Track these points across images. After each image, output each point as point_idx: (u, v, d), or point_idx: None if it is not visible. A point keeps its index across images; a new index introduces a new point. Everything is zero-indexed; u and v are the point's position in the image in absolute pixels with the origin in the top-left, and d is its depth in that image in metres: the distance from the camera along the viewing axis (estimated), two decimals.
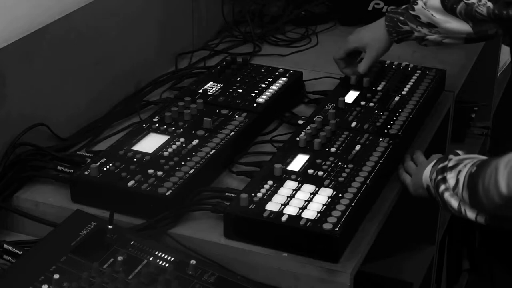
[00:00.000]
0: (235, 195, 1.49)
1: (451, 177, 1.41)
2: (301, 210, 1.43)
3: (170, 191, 1.49)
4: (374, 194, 1.56)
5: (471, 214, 1.39)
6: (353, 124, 1.74)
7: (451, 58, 2.17)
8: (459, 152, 1.48)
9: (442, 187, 1.43)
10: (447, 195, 1.42)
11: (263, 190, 1.49)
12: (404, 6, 1.82)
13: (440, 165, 1.45)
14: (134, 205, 1.50)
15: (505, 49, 2.90)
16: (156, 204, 1.48)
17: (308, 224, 1.40)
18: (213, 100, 1.84)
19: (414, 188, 1.58)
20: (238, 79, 1.95)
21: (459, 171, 1.40)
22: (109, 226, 1.43)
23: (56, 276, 1.31)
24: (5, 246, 1.43)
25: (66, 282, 1.31)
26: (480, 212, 1.37)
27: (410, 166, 1.64)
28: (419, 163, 1.62)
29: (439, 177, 1.44)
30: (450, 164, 1.44)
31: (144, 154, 1.60)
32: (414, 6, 1.79)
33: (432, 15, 1.76)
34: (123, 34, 1.94)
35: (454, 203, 1.41)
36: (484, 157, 1.39)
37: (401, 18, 1.81)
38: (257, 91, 1.88)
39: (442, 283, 2.60)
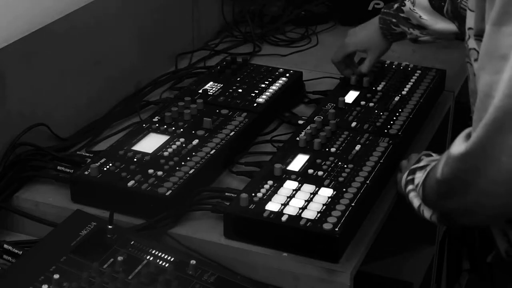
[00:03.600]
0: (235, 195, 1.49)
1: (418, 177, 1.41)
2: (301, 210, 1.43)
3: (170, 191, 1.49)
4: (374, 194, 1.56)
5: (427, 213, 1.39)
6: (353, 124, 1.74)
7: (451, 58, 2.17)
8: (432, 154, 1.48)
9: (410, 187, 1.43)
10: (412, 195, 1.43)
11: (263, 190, 1.49)
12: (395, 6, 1.82)
13: (413, 166, 1.46)
14: (134, 205, 1.50)
15: None
16: (156, 204, 1.48)
17: (308, 224, 1.40)
18: (213, 100, 1.84)
19: (400, 192, 1.58)
20: (238, 79, 1.95)
21: (426, 171, 1.39)
22: (109, 226, 1.43)
23: (56, 276, 1.31)
24: (5, 246, 1.43)
25: (66, 282, 1.31)
26: (435, 212, 1.37)
27: (402, 164, 1.64)
28: (401, 168, 1.61)
29: (409, 177, 1.44)
30: (421, 164, 1.44)
31: (144, 154, 1.60)
32: (402, 8, 1.80)
33: (420, 17, 1.77)
34: (123, 34, 1.94)
35: (416, 202, 1.42)
36: None
37: (394, 20, 1.82)
38: (257, 91, 1.88)
39: (442, 283, 2.60)
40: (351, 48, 1.91)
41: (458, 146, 1.19)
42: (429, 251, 2.28)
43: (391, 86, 1.91)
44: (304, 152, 1.62)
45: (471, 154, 1.16)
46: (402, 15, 1.80)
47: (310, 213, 1.42)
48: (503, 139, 1.12)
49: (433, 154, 1.48)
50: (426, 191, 1.33)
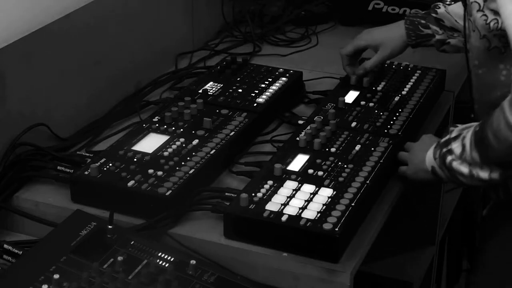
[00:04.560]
0: (235, 195, 1.49)
1: (456, 146, 1.42)
2: (301, 210, 1.43)
3: (170, 191, 1.49)
4: (374, 194, 1.56)
5: (484, 174, 1.39)
6: (353, 124, 1.74)
7: (451, 58, 2.17)
8: (458, 125, 1.49)
9: (449, 158, 1.43)
10: (455, 164, 1.42)
11: (263, 190, 1.49)
12: (425, 11, 1.81)
13: (443, 140, 1.46)
14: (134, 205, 1.50)
15: None
16: (156, 204, 1.48)
17: (308, 224, 1.40)
18: (213, 100, 1.84)
19: (413, 172, 1.58)
20: (238, 79, 1.95)
21: (464, 137, 1.41)
22: (109, 226, 1.43)
23: (56, 276, 1.31)
24: (5, 246, 1.43)
25: (66, 282, 1.31)
26: (493, 168, 1.37)
27: (402, 155, 1.64)
28: (410, 148, 1.62)
29: (444, 150, 1.44)
30: (453, 135, 1.45)
31: (144, 154, 1.60)
32: (436, 9, 1.78)
33: (455, 20, 1.75)
34: (123, 34, 1.94)
35: (464, 169, 1.41)
36: None
37: (422, 21, 1.80)
38: (257, 91, 1.88)
39: (442, 283, 2.60)
40: (363, 42, 1.88)
41: None
42: (429, 251, 2.28)
43: (391, 86, 1.91)
44: (304, 152, 1.62)
45: None
46: (434, 15, 1.78)
47: (310, 213, 1.42)
48: None
49: (459, 125, 1.49)
50: (494, 147, 1.33)
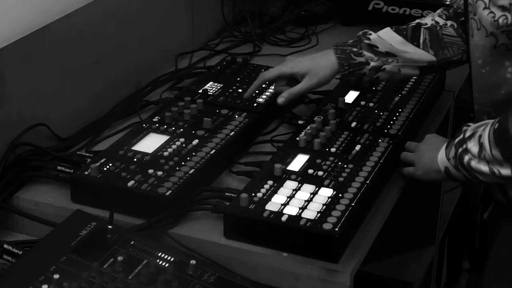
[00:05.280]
0: (235, 195, 1.49)
1: (472, 145, 1.42)
2: (301, 210, 1.43)
3: (170, 191, 1.49)
4: (374, 194, 1.56)
5: (505, 171, 1.39)
6: (353, 124, 1.74)
7: None
8: (470, 124, 1.49)
9: (466, 158, 1.43)
10: (474, 163, 1.43)
11: (263, 190, 1.49)
12: (353, 40, 1.72)
13: (457, 140, 1.46)
14: (134, 205, 1.50)
15: None
16: (156, 204, 1.48)
17: (308, 224, 1.40)
18: (213, 100, 1.84)
19: (423, 172, 1.58)
20: (238, 79, 1.95)
21: (480, 136, 1.42)
22: (109, 226, 1.43)
23: (56, 276, 1.31)
24: (5, 246, 1.43)
25: (66, 282, 1.31)
26: None
27: (407, 156, 1.64)
28: (416, 148, 1.62)
29: (460, 150, 1.44)
30: (467, 134, 1.45)
31: (144, 154, 1.60)
32: (368, 36, 1.70)
33: (390, 44, 1.69)
34: (123, 34, 1.94)
35: (484, 168, 1.42)
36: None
37: (354, 49, 1.70)
38: (257, 91, 1.88)
39: (442, 283, 2.60)
40: (288, 69, 1.75)
41: None
42: (429, 251, 2.28)
43: (391, 86, 1.91)
44: (304, 152, 1.62)
45: None
46: (367, 42, 1.70)
47: (310, 213, 1.42)
48: None
49: (471, 124, 1.49)
50: None
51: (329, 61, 1.71)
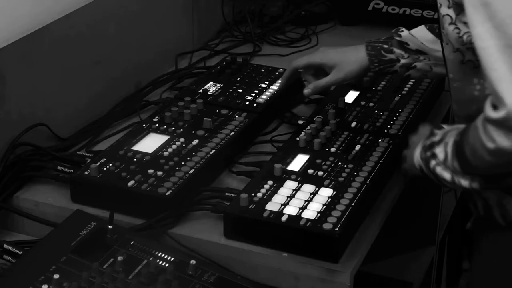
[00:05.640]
0: (235, 195, 1.49)
1: (440, 151, 1.40)
2: (301, 210, 1.43)
3: (170, 191, 1.49)
4: (374, 194, 1.56)
5: (465, 182, 1.38)
6: (353, 124, 1.74)
7: None
8: (443, 126, 1.47)
9: (433, 162, 1.42)
10: (439, 169, 1.41)
11: (263, 190, 1.49)
12: (386, 36, 1.71)
13: (428, 142, 1.45)
14: (134, 205, 1.50)
15: None
16: (156, 204, 1.48)
17: (308, 224, 1.40)
18: (213, 100, 1.84)
19: (409, 167, 1.56)
20: (238, 79, 1.95)
21: (446, 143, 1.39)
22: (109, 226, 1.43)
23: (56, 276, 1.31)
24: (5, 246, 1.43)
25: (66, 282, 1.31)
26: (474, 178, 1.37)
27: (404, 152, 1.63)
28: (410, 143, 1.61)
29: (428, 153, 1.43)
30: (437, 138, 1.43)
31: (144, 154, 1.60)
32: (400, 33, 1.69)
33: (421, 42, 1.67)
34: (123, 34, 1.94)
35: (447, 175, 1.40)
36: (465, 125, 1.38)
37: (385, 46, 1.69)
38: (257, 91, 1.88)
39: (442, 283, 2.60)
40: (317, 60, 1.74)
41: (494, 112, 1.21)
42: (429, 251, 2.28)
43: (391, 86, 1.91)
44: (304, 152, 1.62)
45: None
46: (398, 39, 1.69)
47: (310, 213, 1.42)
48: None
49: (444, 126, 1.46)
50: (472, 163, 1.32)
51: (358, 57, 1.70)
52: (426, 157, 1.42)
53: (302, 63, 1.77)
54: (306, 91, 1.74)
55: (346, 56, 1.71)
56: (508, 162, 1.25)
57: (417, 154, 1.47)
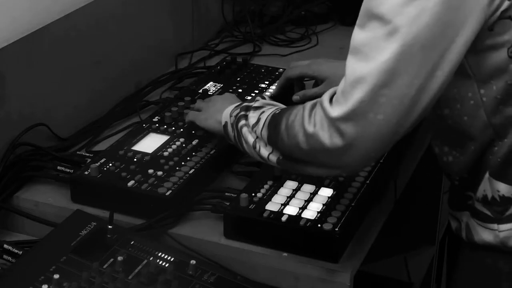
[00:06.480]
0: (235, 195, 1.49)
1: (252, 116, 1.42)
2: (301, 210, 1.43)
3: (170, 191, 1.49)
4: (374, 194, 1.56)
5: (264, 152, 1.38)
6: None
7: None
8: (265, 96, 1.50)
9: (242, 122, 1.43)
10: (245, 130, 1.42)
11: (263, 190, 1.49)
12: None
13: (245, 104, 1.46)
14: (134, 205, 1.50)
15: None
16: (156, 204, 1.48)
17: (308, 224, 1.40)
18: None
19: (205, 117, 1.60)
20: (238, 79, 1.95)
21: (263, 112, 1.40)
22: (109, 226, 1.43)
23: (56, 276, 1.31)
24: (5, 246, 1.43)
25: (66, 282, 1.31)
26: (275, 151, 1.37)
27: (199, 103, 1.69)
28: (210, 99, 1.65)
29: (242, 113, 1.44)
30: (256, 104, 1.44)
31: (144, 154, 1.60)
32: None
33: None
34: (123, 34, 1.94)
35: (250, 138, 1.40)
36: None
37: None
38: (257, 91, 1.88)
39: (442, 283, 2.60)
40: (310, 72, 1.78)
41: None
42: (429, 251, 2.28)
43: None
44: None
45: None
46: None
47: (310, 213, 1.42)
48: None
49: (267, 98, 1.49)
50: (283, 137, 1.33)
51: None
52: (238, 116, 1.44)
53: (296, 74, 1.80)
54: (295, 97, 1.77)
55: (338, 70, 1.71)
56: (314, 149, 1.26)
57: (227, 110, 1.49)
